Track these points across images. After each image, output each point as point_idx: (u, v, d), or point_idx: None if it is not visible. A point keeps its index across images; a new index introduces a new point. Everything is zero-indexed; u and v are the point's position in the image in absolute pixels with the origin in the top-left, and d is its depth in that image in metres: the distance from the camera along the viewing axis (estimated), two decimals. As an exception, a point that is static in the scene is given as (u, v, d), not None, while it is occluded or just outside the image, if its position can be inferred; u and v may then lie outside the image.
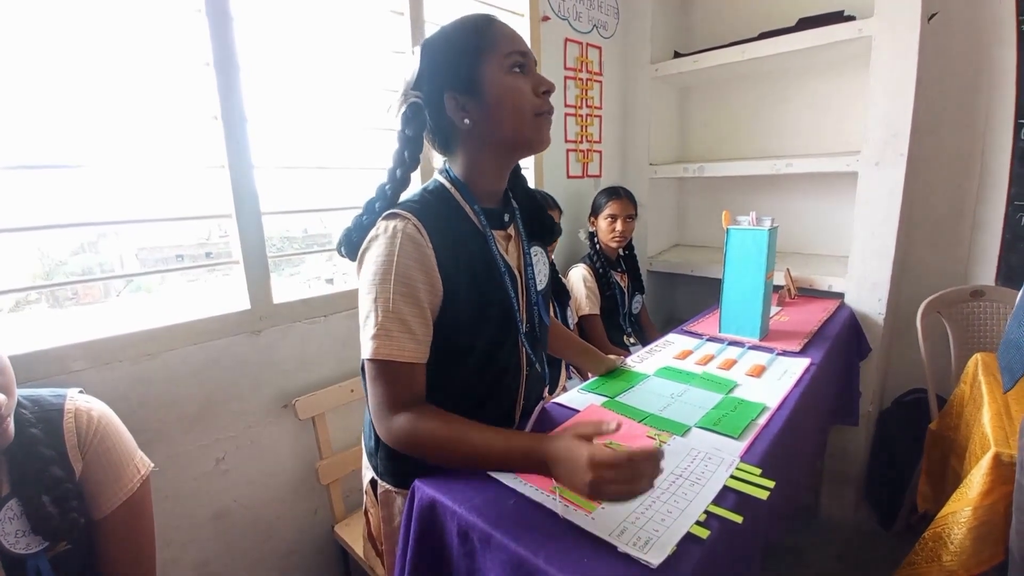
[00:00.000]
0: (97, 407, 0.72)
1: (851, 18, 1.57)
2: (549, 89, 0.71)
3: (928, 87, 1.53)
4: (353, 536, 1.23)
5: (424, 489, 0.74)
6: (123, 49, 0.97)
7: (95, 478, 0.69)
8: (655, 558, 0.57)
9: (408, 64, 0.73)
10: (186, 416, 1.05)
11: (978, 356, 1.28)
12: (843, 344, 1.49)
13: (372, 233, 0.70)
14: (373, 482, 0.84)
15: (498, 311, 0.75)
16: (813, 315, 1.52)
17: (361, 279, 0.70)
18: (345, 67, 1.28)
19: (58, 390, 0.71)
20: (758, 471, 0.74)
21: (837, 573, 1.52)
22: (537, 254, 0.84)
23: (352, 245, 0.74)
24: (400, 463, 0.78)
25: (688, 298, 2.39)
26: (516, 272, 0.80)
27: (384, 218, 0.70)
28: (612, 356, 1.14)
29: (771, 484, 0.70)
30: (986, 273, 1.63)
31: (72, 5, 0.93)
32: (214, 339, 1.08)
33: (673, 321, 2.26)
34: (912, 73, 1.41)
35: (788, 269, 1.72)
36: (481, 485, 0.73)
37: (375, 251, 0.68)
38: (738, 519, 0.64)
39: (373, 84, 1.32)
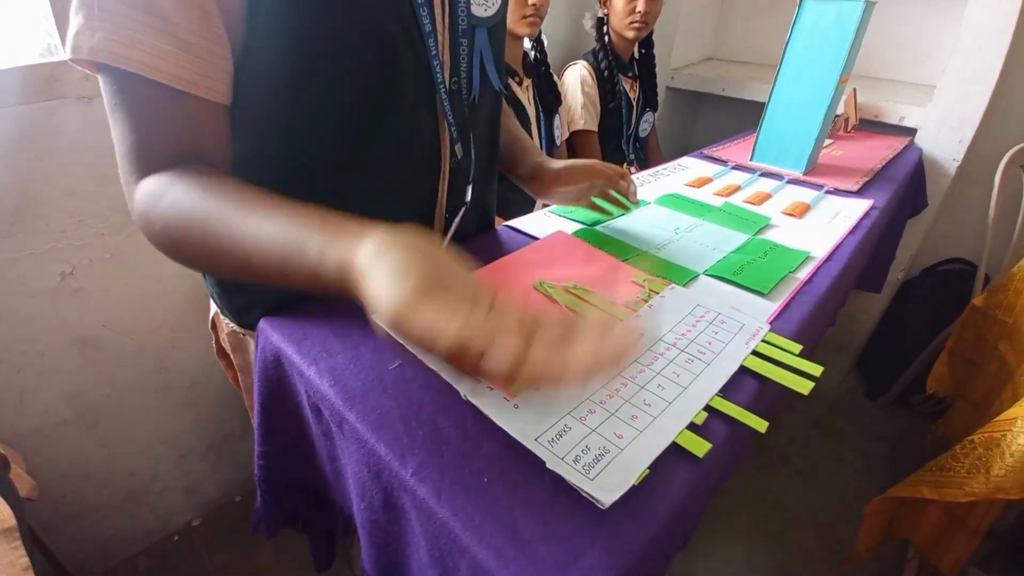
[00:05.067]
0: None
1: None
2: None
3: None
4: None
5: (269, 334, 0.47)
6: None
7: None
8: (607, 493, 0.31)
9: None
10: (-5, 212, 0.75)
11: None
12: (899, 194, 1.16)
13: None
14: (218, 319, 0.57)
15: (386, 27, 0.40)
16: (875, 151, 1.16)
17: None
18: None
19: None
20: (797, 347, 0.46)
21: (810, 438, 1.43)
22: None
23: None
24: (235, 290, 0.50)
25: (713, 126, 1.95)
26: None
27: None
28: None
29: (818, 370, 0.43)
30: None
31: None
32: (11, 105, 0.72)
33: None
34: None
35: (855, 90, 1.29)
36: (352, 333, 0.46)
37: None
38: (762, 426, 0.38)
39: None
